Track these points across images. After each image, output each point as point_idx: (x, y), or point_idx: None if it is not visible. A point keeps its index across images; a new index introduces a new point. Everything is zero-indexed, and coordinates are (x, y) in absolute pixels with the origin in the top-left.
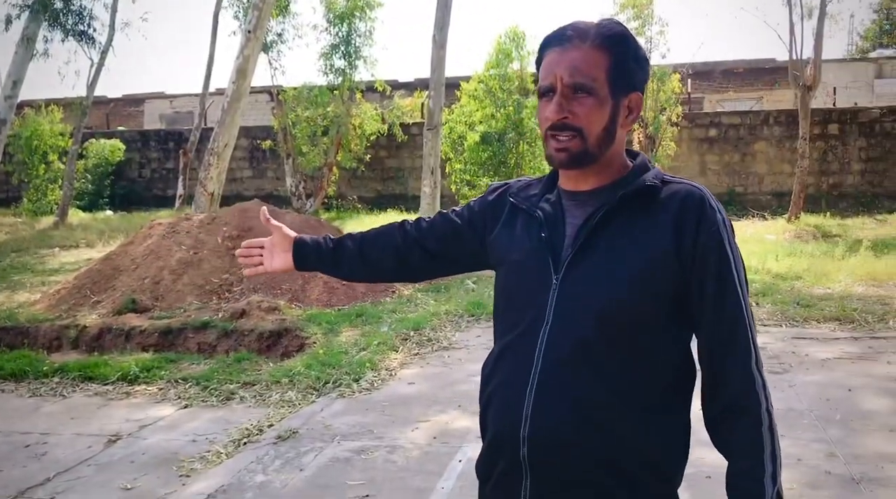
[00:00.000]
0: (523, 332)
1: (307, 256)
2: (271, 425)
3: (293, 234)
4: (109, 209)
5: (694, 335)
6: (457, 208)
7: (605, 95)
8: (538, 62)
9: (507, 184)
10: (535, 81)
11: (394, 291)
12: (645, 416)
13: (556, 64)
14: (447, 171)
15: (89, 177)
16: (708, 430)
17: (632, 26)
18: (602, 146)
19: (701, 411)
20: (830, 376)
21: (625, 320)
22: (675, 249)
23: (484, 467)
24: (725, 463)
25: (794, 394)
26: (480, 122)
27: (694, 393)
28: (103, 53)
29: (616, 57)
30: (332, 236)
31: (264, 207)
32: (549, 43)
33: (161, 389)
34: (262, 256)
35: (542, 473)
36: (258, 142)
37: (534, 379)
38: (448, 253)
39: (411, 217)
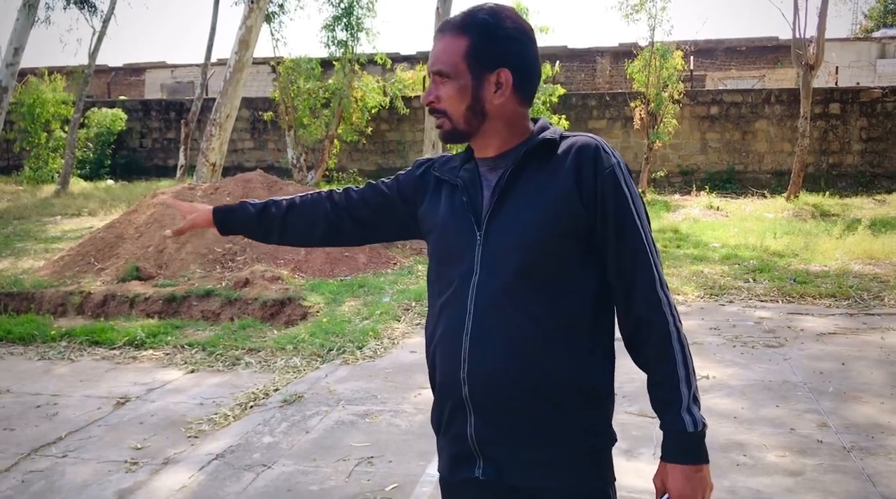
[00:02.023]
0: (456, 287)
1: (229, 224)
2: (277, 390)
3: (207, 207)
4: (110, 178)
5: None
6: (386, 180)
7: (465, 77)
8: None
9: (431, 159)
10: None
11: (395, 263)
12: (570, 345)
13: (431, 54)
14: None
15: (91, 146)
16: (627, 349)
17: (634, 2)
18: (471, 122)
19: None
20: (825, 350)
21: (541, 261)
22: (577, 192)
23: (435, 417)
24: (719, 432)
25: (789, 367)
26: None
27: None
28: (105, 22)
29: (473, 39)
30: (255, 202)
31: (174, 201)
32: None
33: (167, 354)
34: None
35: (484, 409)
36: (260, 113)
37: (468, 325)
38: (378, 223)
39: None
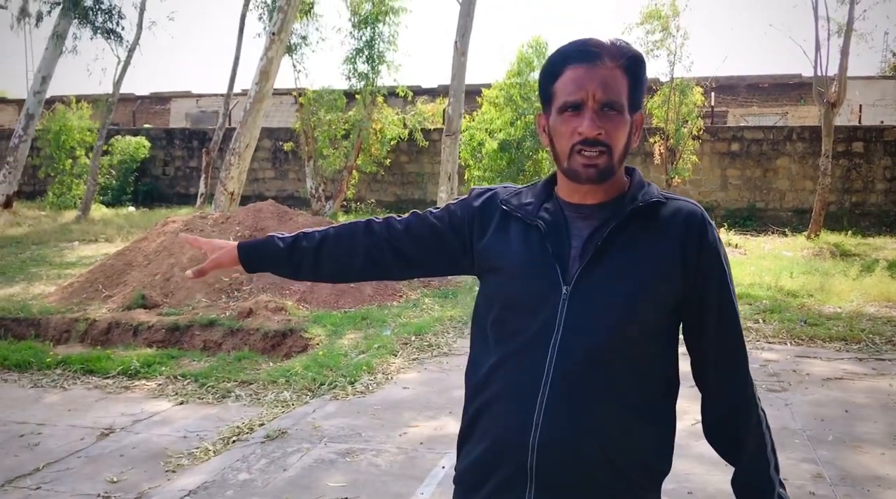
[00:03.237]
0: (529, 342)
1: (255, 261)
2: (262, 425)
3: (232, 244)
4: (132, 206)
5: (689, 347)
6: (433, 211)
7: (626, 114)
8: (554, 75)
9: (492, 189)
10: (548, 95)
11: (401, 296)
12: (647, 423)
13: (588, 80)
14: (466, 177)
15: (114, 173)
16: (711, 435)
17: (655, 38)
18: (620, 162)
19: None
20: (829, 396)
21: (634, 332)
22: (681, 265)
23: (476, 477)
24: (706, 480)
25: (790, 413)
26: (500, 129)
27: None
28: (130, 51)
29: (633, 77)
30: (285, 236)
31: (185, 235)
32: (571, 58)
33: (160, 384)
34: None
35: (549, 479)
36: (281, 143)
37: (545, 387)
38: (424, 256)
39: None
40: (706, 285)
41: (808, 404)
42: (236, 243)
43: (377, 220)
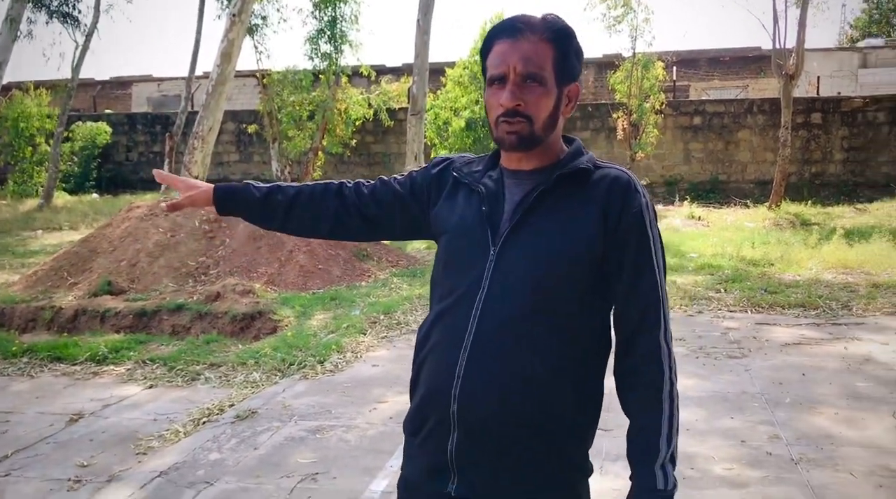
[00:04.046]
0: (460, 297)
1: (229, 204)
2: (232, 405)
3: (208, 185)
4: (96, 192)
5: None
6: (398, 177)
7: (552, 85)
8: (485, 51)
9: (450, 158)
10: (484, 70)
11: (370, 276)
12: (568, 381)
13: (509, 54)
14: (432, 156)
15: (76, 160)
16: (617, 390)
17: (616, 14)
18: (546, 131)
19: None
20: (787, 361)
21: (553, 292)
22: (602, 228)
23: (414, 422)
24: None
25: (749, 378)
26: (465, 107)
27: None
28: (88, 35)
29: (560, 50)
30: (261, 186)
31: (159, 171)
32: (498, 34)
33: (128, 369)
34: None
35: (469, 428)
36: (244, 126)
37: (468, 341)
38: (387, 219)
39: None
40: (625, 249)
41: (767, 368)
42: (213, 185)
43: (348, 183)
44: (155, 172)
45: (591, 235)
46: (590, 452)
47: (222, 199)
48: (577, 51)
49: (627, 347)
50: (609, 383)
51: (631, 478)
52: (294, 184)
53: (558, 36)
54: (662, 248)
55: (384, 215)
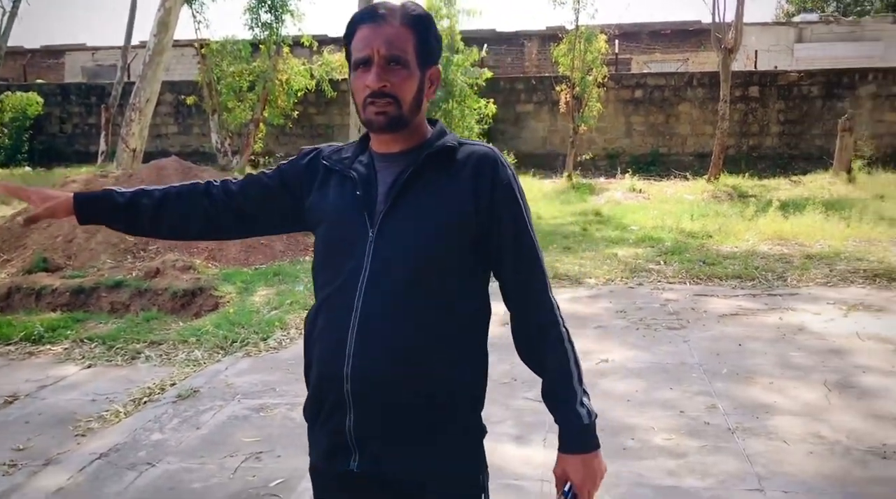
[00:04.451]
0: (343, 281)
1: (91, 213)
2: (174, 384)
3: (68, 194)
4: (28, 165)
5: (495, 276)
6: (267, 171)
7: (415, 68)
8: (349, 36)
9: (317, 148)
10: (348, 55)
11: (312, 250)
12: (453, 349)
13: (373, 38)
14: None
15: (6, 131)
16: (521, 354)
17: None
18: (413, 113)
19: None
20: (724, 332)
21: (433, 267)
22: (474, 203)
23: (312, 408)
24: (609, 415)
25: (688, 349)
26: None
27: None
28: (16, 1)
29: (420, 35)
30: (124, 191)
31: (12, 187)
32: (361, 19)
33: (66, 349)
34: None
35: (364, 405)
36: (183, 97)
37: (354, 322)
38: (260, 215)
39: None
40: (501, 222)
41: (705, 339)
42: (72, 194)
43: (215, 182)
44: (1, 184)
45: (463, 210)
46: (530, 423)
47: (83, 207)
48: (436, 36)
49: (523, 309)
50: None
51: (557, 422)
52: (160, 187)
53: (417, 21)
54: (530, 213)
55: (257, 211)
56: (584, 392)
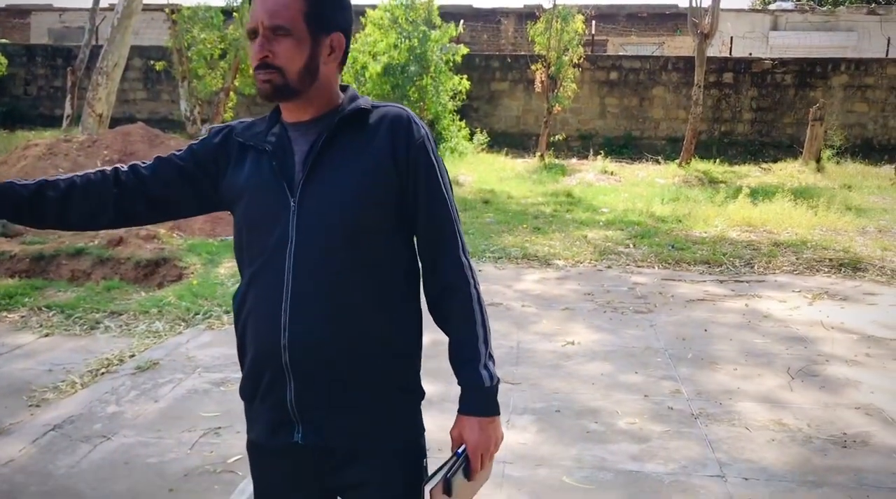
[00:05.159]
0: (270, 255)
1: None
2: (133, 356)
3: None
4: None
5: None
6: (177, 152)
7: (304, 36)
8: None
9: (229, 126)
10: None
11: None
12: (387, 309)
13: (259, 9)
14: None
15: None
16: (430, 312)
17: None
18: (304, 81)
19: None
20: (690, 317)
21: (357, 228)
22: (392, 161)
23: (249, 386)
24: (572, 398)
25: (654, 333)
26: (384, 52)
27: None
28: None
29: (311, 1)
30: (27, 183)
31: None
32: None
33: (23, 316)
34: None
35: (304, 375)
36: (153, 62)
37: (287, 294)
38: (173, 198)
39: None
40: (416, 179)
41: (672, 324)
42: None
43: (123, 168)
44: None
45: (381, 169)
46: (500, 403)
47: None
48: (337, 2)
49: (433, 268)
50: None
51: (459, 383)
52: (65, 176)
53: None
54: (447, 172)
55: (171, 194)
56: (490, 356)
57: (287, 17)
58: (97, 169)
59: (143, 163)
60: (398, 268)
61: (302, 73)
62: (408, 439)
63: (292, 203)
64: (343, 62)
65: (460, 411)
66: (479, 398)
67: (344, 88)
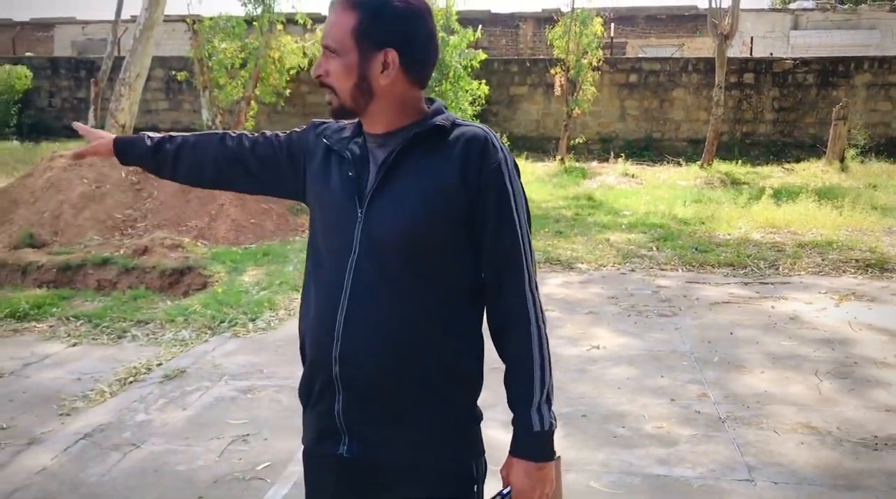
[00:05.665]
0: (333, 262)
1: (127, 155)
2: (160, 364)
3: (110, 137)
4: (16, 139)
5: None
6: (280, 134)
7: (352, 55)
8: None
9: (325, 123)
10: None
11: (303, 230)
12: (444, 331)
13: (324, 26)
14: None
15: None
16: (492, 339)
17: None
18: (358, 100)
19: None
20: (716, 319)
21: (420, 245)
22: (462, 183)
23: (304, 391)
24: (598, 402)
25: (679, 336)
26: None
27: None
28: None
29: (362, 17)
30: (154, 136)
31: (80, 125)
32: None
33: (51, 326)
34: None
35: (353, 388)
36: (174, 73)
37: (343, 303)
38: (265, 175)
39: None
40: (486, 204)
41: (697, 327)
42: (113, 137)
43: (232, 134)
44: (75, 125)
45: (450, 191)
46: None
47: (121, 149)
48: (392, 15)
49: (495, 298)
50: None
51: (512, 422)
52: (183, 134)
53: (362, 3)
54: (525, 202)
55: (261, 171)
56: (547, 399)
57: (336, 37)
58: (211, 131)
59: (252, 134)
60: (461, 289)
61: (353, 92)
62: (458, 461)
63: (360, 213)
64: (419, 76)
65: (510, 452)
66: (529, 442)
67: (431, 102)
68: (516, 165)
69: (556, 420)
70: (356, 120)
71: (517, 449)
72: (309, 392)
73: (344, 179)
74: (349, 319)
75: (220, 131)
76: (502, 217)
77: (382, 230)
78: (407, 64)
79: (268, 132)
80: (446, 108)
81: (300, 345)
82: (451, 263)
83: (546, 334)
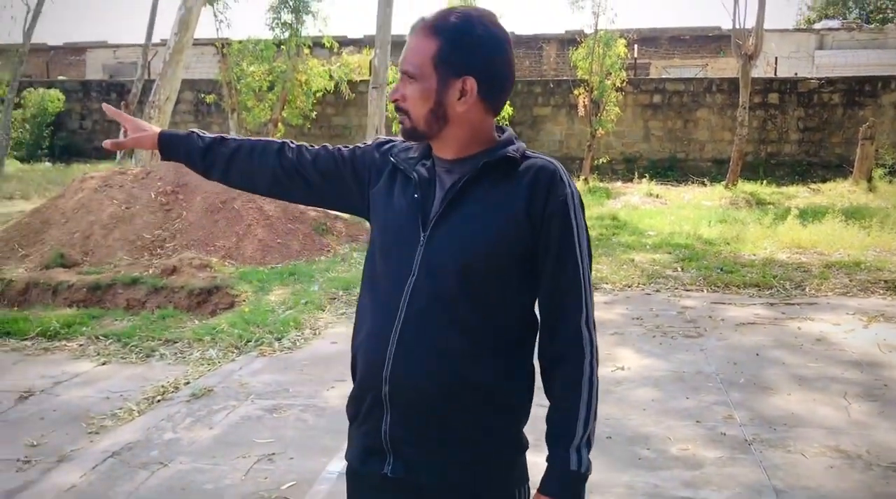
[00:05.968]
0: (391, 282)
1: (173, 149)
2: (188, 383)
3: (155, 128)
4: (48, 161)
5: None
6: (343, 149)
7: (431, 81)
8: None
9: (392, 141)
10: None
11: (329, 250)
12: (495, 361)
13: (404, 50)
14: (394, 130)
15: (27, 127)
16: (541, 374)
17: None
18: (431, 126)
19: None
20: (741, 341)
21: (479, 275)
22: (527, 215)
23: (352, 407)
24: (624, 424)
25: (704, 357)
26: None
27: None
28: None
29: (443, 43)
30: (205, 135)
31: (109, 106)
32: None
33: (81, 345)
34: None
35: (400, 409)
36: (203, 95)
37: (398, 326)
38: (324, 188)
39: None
40: (549, 238)
41: (722, 348)
42: (159, 130)
43: (291, 144)
44: (104, 106)
45: (515, 222)
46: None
47: (167, 144)
48: (470, 43)
49: (550, 332)
50: None
51: (547, 459)
52: (238, 138)
53: (444, 29)
54: (588, 238)
55: (322, 184)
56: (588, 441)
57: (415, 63)
58: (269, 139)
59: (312, 147)
60: (515, 320)
61: (428, 117)
62: (501, 488)
63: (422, 237)
64: (495, 104)
65: (539, 489)
66: (562, 481)
67: (502, 130)
68: (582, 202)
69: (591, 467)
70: (425, 142)
71: (548, 487)
72: (357, 409)
73: (409, 200)
74: (402, 341)
75: (279, 140)
76: (564, 251)
77: (443, 257)
78: (484, 92)
79: (329, 145)
80: (517, 138)
81: (352, 361)
82: (507, 294)
83: (598, 375)
